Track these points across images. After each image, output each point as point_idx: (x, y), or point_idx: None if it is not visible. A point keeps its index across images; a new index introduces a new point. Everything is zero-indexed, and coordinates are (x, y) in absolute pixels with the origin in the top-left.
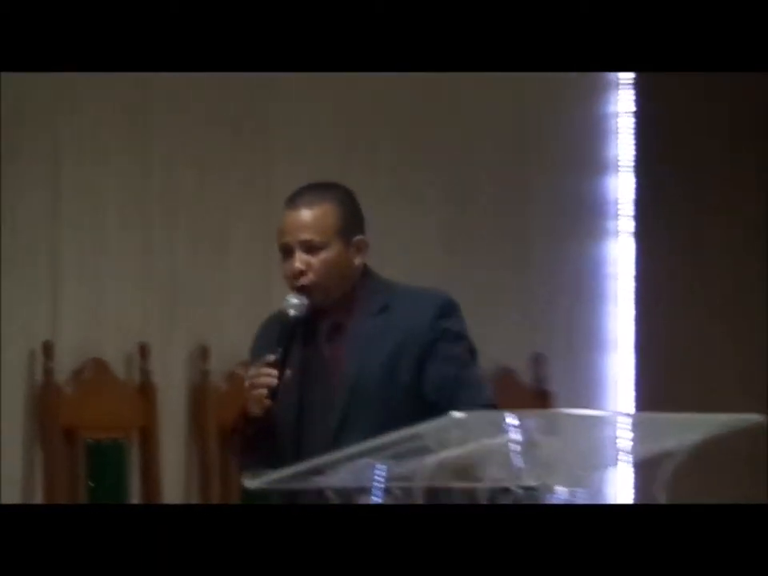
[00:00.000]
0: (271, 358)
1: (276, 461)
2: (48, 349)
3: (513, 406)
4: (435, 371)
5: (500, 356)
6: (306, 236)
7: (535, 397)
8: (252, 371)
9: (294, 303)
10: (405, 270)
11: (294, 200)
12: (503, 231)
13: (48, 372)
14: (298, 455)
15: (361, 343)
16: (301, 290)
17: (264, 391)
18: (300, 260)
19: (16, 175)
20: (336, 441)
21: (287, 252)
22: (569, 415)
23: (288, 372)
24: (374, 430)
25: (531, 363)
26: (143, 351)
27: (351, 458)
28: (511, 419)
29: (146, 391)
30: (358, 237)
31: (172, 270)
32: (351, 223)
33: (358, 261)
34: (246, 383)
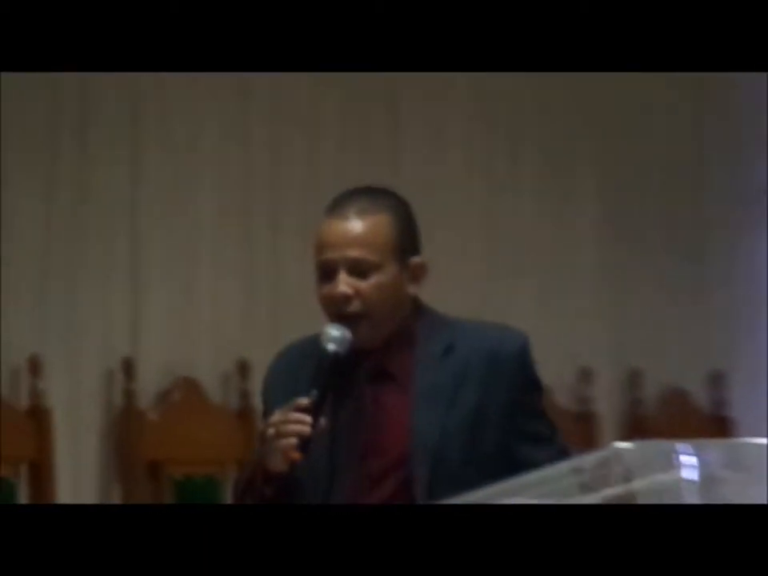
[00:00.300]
0: (304, 401)
1: None
2: (128, 367)
3: (687, 434)
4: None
5: (671, 375)
6: (356, 253)
7: (713, 423)
8: (277, 416)
9: (336, 336)
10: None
11: (340, 206)
12: (677, 225)
13: (129, 394)
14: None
15: (429, 395)
16: (344, 320)
17: (294, 441)
18: (346, 282)
19: (92, 173)
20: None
21: (329, 271)
22: (755, 446)
23: (323, 421)
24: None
25: (708, 383)
26: (243, 370)
27: (502, 495)
28: (685, 451)
29: (244, 417)
30: (416, 259)
31: (276, 276)
32: (408, 241)
33: (412, 289)
34: (270, 431)
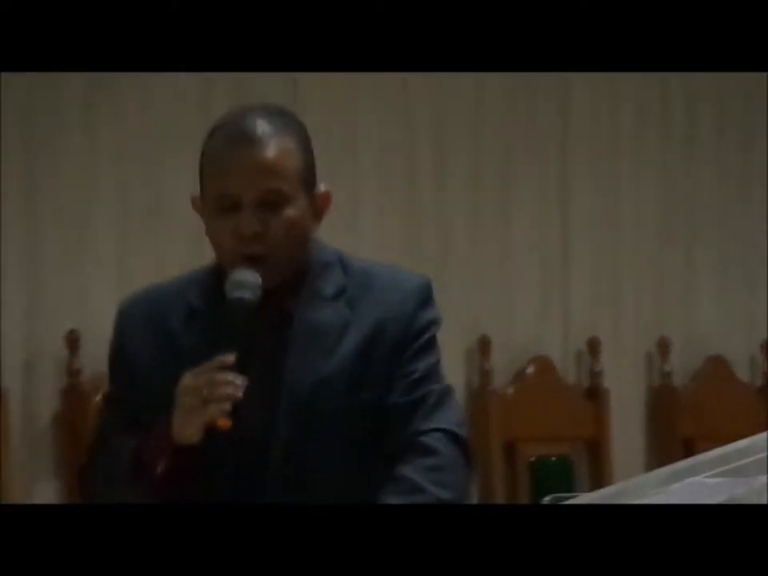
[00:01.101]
0: (230, 359)
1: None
2: (485, 345)
3: None
4: (405, 387)
5: None
6: (267, 185)
7: None
8: (202, 378)
9: (248, 282)
10: None
11: (238, 127)
12: None
13: (484, 373)
14: (231, 491)
15: (311, 340)
16: (249, 262)
17: (227, 406)
18: (254, 219)
19: None
20: (280, 475)
21: (230, 205)
22: None
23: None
24: (331, 461)
25: None
26: (592, 348)
27: (675, 476)
28: None
29: (594, 396)
30: (320, 189)
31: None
32: (312, 169)
33: (315, 224)
34: (190, 397)
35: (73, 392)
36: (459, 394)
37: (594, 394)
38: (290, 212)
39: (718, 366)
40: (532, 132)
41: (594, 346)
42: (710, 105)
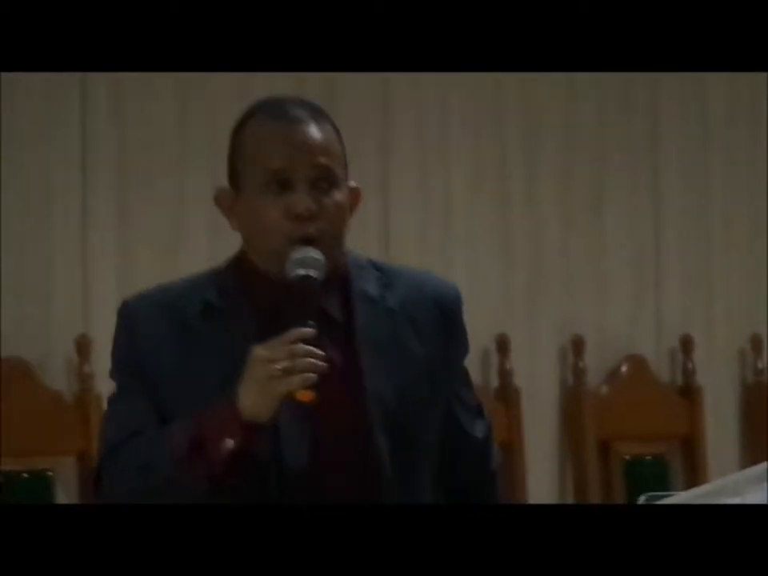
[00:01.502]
0: (310, 331)
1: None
2: (578, 344)
3: None
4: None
5: None
6: (322, 161)
7: None
8: (281, 349)
9: (315, 259)
10: None
11: (282, 107)
12: None
13: (578, 372)
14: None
15: (375, 346)
16: (307, 243)
17: (313, 377)
18: (311, 197)
19: None
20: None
21: (282, 183)
22: None
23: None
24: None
25: None
26: (685, 346)
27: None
28: None
29: (687, 394)
30: (352, 184)
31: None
32: (346, 159)
33: (350, 217)
34: (276, 366)
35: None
36: (553, 393)
37: (688, 392)
38: (338, 195)
39: (636, 365)
40: (623, 132)
41: (686, 344)
42: None
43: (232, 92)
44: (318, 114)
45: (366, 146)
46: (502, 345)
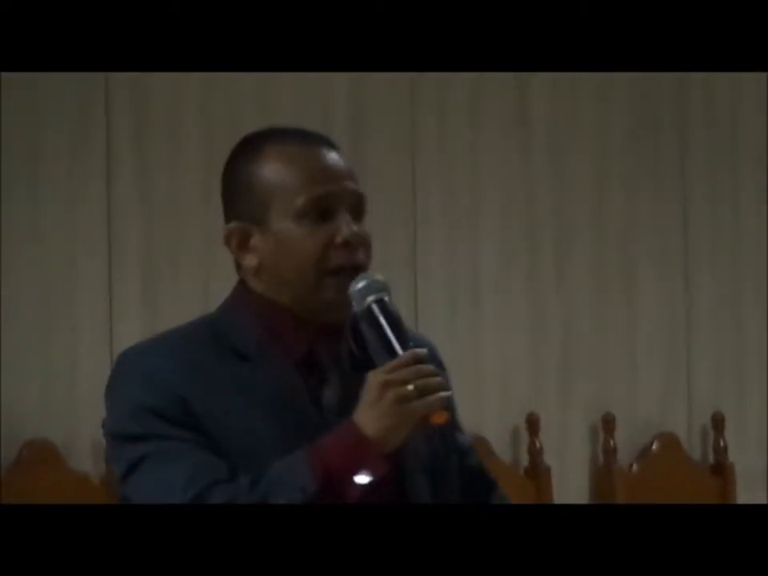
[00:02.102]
0: (424, 351)
1: None
2: (609, 423)
3: None
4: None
5: None
6: (356, 186)
7: None
8: (406, 371)
9: (381, 281)
10: None
11: (306, 135)
12: None
13: (610, 450)
14: None
15: None
16: (349, 274)
17: (448, 394)
18: (353, 224)
19: None
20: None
21: (325, 211)
22: None
23: None
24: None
25: None
26: (717, 424)
27: None
28: None
29: (719, 472)
30: None
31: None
32: None
33: None
34: (409, 387)
35: None
36: (584, 472)
37: (720, 470)
38: (365, 225)
39: (669, 443)
40: (653, 213)
41: (718, 422)
42: None
43: None
44: (333, 144)
45: (394, 215)
46: (533, 424)
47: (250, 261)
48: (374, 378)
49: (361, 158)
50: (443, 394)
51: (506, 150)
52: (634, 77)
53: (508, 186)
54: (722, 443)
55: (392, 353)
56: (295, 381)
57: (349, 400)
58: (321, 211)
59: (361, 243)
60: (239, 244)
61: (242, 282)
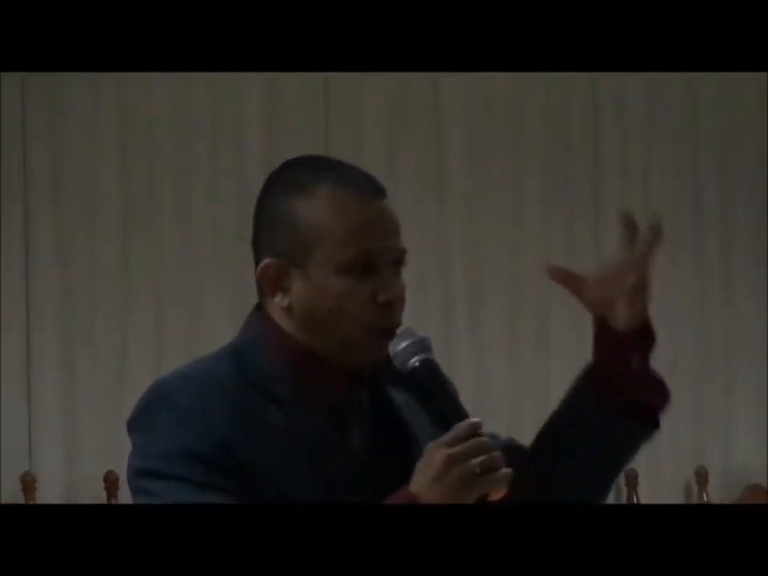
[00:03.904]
0: (479, 421)
1: None
2: (702, 477)
3: None
4: None
5: None
6: (401, 242)
7: None
8: (468, 446)
9: (424, 339)
10: None
11: (364, 178)
12: None
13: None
14: None
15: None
16: (390, 336)
17: (511, 473)
18: (395, 281)
19: None
20: None
21: (368, 265)
22: None
23: None
24: None
25: None
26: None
27: None
28: None
29: None
30: None
31: None
32: None
33: None
34: (474, 463)
35: None
36: None
37: None
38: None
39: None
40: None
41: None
42: None
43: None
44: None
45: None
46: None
47: (281, 300)
48: (436, 451)
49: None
50: (505, 471)
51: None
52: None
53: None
54: None
55: (445, 420)
56: (328, 428)
57: (377, 448)
58: (365, 265)
59: (401, 301)
60: (273, 281)
61: (264, 313)
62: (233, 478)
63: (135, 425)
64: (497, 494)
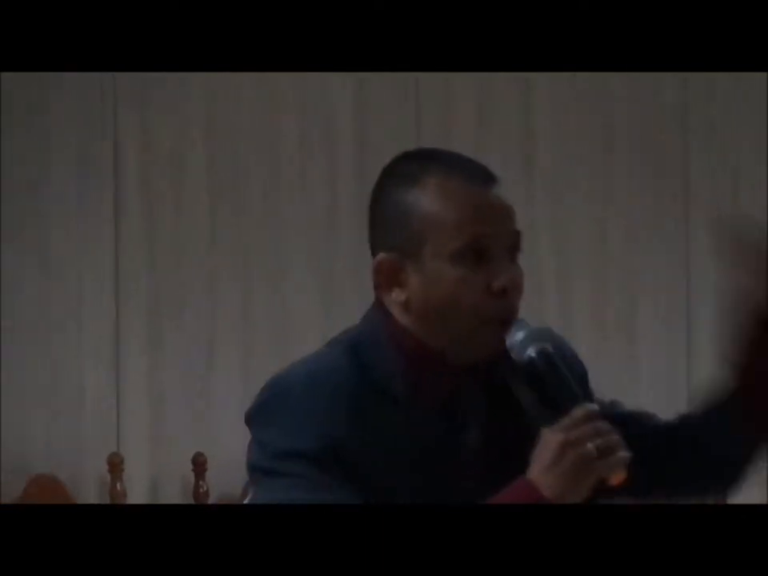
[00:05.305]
0: (596, 407)
1: None
2: None
3: None
4: None
5: None
6: (516, 227)
7: None
8: (584, 429)
9: (543, 330)
10: None
11: (478, 167)
12: None
13: None
14: None
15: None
16: (510, 324)
17: (627, 455)
18: (511, 268)
19: None
20: None
21: (482, 253)
22: None
23: None
24: None
25: None
26: None
27: None
28: None
29: None
30: None
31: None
32: None
33: None
34: (590, 446)
35: None
36: None
37: None
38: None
39: None
40: None
41: None
42: None
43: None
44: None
45: None
46: None
47: (398, 295)
48: (552, 437)
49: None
50: (623, 453)
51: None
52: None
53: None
54: None
55: (561, 408)
56: (444, 427)
57: (492, 446)
58: (479, 252)
59: (518, 288)
60: (388, 276)
61: (383, 309)
62: (347, 479)
63: (255, 419)
64: (616, 479)
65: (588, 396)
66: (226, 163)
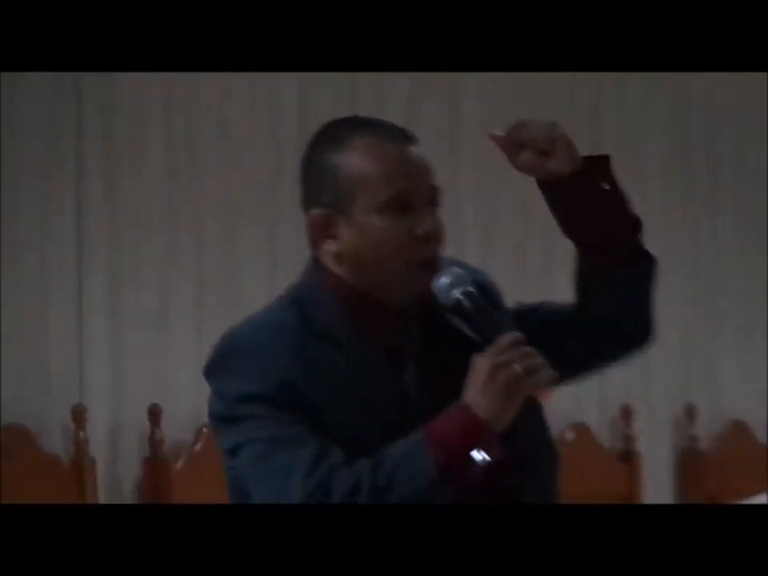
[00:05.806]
0: (521, 335)
1: None
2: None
3: None
4: None
5: None
6: (434, 181)
7: None
8: (510, 354)
9: (462, 274)
10: None
11: (394, 127)
12: None
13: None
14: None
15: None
16: (430, 267)
17: (554, 373)
18: (432, 218)
19: None
20: None
21: (405, 205)
22: None
23: None
24: None
25: None
26: (626, 414)
27: None
28: None
29: (627, 460)
30: None
31: None
32: None
33: None
34: (518, 367)
35: (155, 461)
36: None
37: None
38: (439, 215)
39: (740, 430)
40: None
41: (626, 413)
42: None
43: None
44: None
45: None
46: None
47: (331, 246)
48: (481, 363)
49: None
50: (548, 371)
51: None
52: None
53: None
54: (629, 432)
55: (490, 339)
56: (385, 367)
57: (431, 382)
58: (403, 204)
59: (438, 235)
60: (322, 230)
61: (318, 263)
62: (303, 415)
63: (213, 371)
64: (544, 395)
65: (511, 324)
66: (182, 140)
